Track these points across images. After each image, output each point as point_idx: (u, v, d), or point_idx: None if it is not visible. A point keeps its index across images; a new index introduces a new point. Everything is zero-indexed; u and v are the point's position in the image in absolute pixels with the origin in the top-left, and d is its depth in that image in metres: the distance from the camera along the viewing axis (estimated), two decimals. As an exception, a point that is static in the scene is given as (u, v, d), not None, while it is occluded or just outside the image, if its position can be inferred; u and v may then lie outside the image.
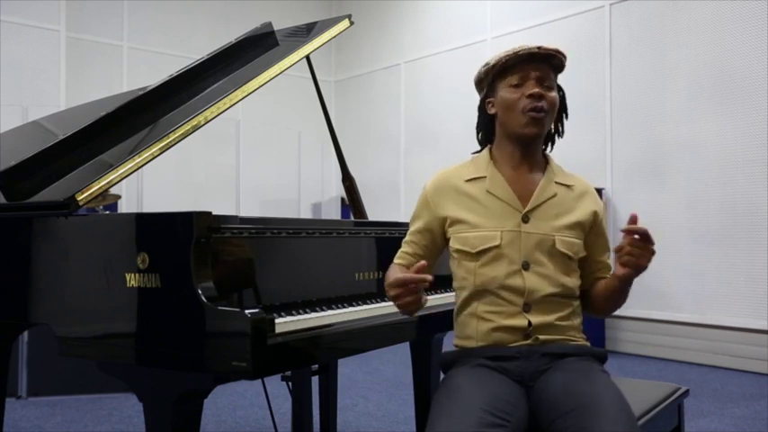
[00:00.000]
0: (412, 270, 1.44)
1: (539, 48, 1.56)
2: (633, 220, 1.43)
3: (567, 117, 1.70)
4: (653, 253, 1.44)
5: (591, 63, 5.64)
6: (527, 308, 1.53)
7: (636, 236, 1.42)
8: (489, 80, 1.63)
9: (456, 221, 1.60)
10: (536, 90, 1.55)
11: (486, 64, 1.62)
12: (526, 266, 1.54)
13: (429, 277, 1.39)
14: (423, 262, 1.42)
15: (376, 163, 7.74)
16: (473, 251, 1.56)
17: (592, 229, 1.63)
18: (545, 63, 1.58)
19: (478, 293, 1.57)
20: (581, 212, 1.61)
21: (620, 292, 1.59)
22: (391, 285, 1.43)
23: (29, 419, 3.34)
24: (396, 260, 1.70)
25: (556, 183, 1.62)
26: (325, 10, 8.16)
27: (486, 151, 1.68)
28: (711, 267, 4.86)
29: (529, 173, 1.62)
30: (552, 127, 1.67)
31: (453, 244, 1.61)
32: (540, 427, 1.43)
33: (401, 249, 1.70)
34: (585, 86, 5.62)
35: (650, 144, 5.26)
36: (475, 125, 1.73)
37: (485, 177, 1.61)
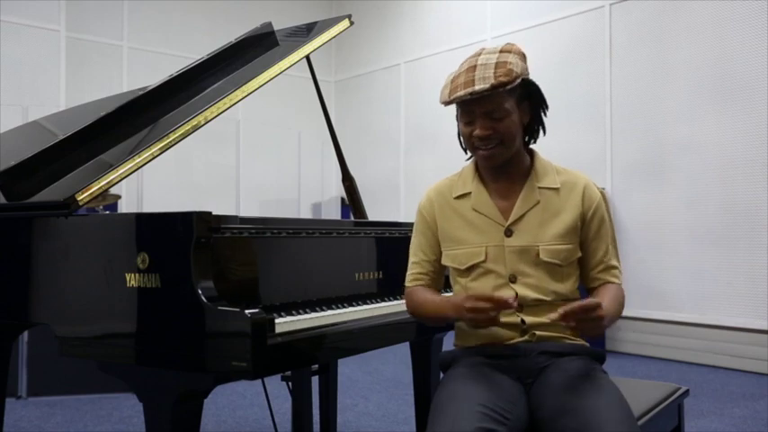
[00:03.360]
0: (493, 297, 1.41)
1: (470, 94, 1.47)
2: (560, 316, 1.34)
3: (546, 109, 1.63)
4: (601, 319, 1.36)
5: (591, 63, 5.64)
6: (519, 308, 1.55)
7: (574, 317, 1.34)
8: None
9: (446, 238, 1.64)
10: (478, 133, 1.52)
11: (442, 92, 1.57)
12: (513, 279, 1.55)
13: (514, 304, 1.40)
14: (512, 296, 1.42)
15: (376, 163, 7.74)
16: (461, 268, 1.61)
17: (585, 227, 1.59)
18: (490, 95, 1.49)
19: None
20: (567, 216, 1.57)
21: None
22: (476, 299, 1.41)
23: (29, 419, 3.34)
24: (412, 284, 1.68)
25: (540, 188, 1.59)
26: (325, 10, 8.16)
27: (472, 164, 1.68)
28: (711, 267, 4.86)
29: (512, 182, 1.61)
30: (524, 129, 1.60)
31: (444, 260, 1.65)
32: (539, 427, 1.43)
33: (414, 271, 1.69)
34: (585, 86, 5.62)
35: (650, 144, 5.26)
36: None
37: (470, 194, 1.62)
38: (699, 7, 4.98)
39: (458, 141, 1.68)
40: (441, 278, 1.71)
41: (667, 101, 5.16)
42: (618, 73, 5.48)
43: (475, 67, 1.51)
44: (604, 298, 1.53)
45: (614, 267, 1.63)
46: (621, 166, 5.42)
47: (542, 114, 1.63)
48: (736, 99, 4.78)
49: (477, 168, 1.66)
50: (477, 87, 1.47)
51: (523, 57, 1.56)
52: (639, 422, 1.60)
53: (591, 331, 1.40)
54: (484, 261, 1.57)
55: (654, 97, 5.25)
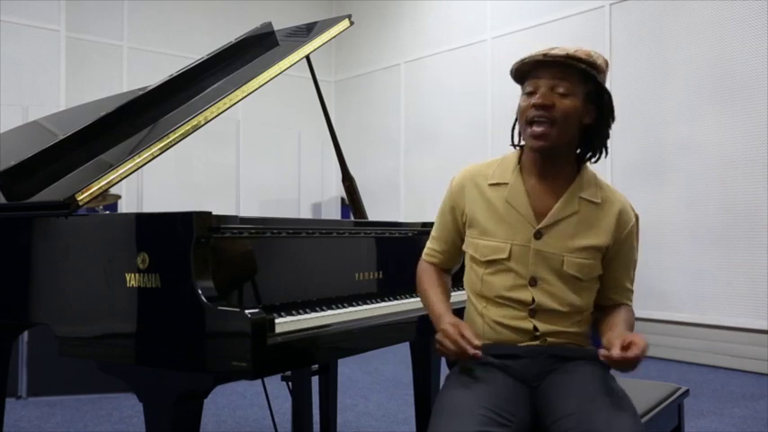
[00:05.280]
0: (468, 338, 1.41)
1: (544, 55, 1.47)
2: (607, 356, 1.36)
3: (613, 121, 1.57)
4: (639, 360, 1.36)
5: (591, 63, 5.62)
6: (533, 313, 1.53)
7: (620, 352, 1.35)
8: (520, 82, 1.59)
9: (472, 223, 1.60)
10: (538, 101, 1.47)
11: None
12: (533, 282, 1.53)
13: (479, 354, 1.40)
14: (478, 343, 1.41)
15: (376, 163, 7.74)
16: (482, 259, 1.57)
17: (614, 247, 1.55)
18: (561, 68, 1.48)
19: (485, 298, 1.58)
20: (600, 234, 1.53)
21: None
22: (445, 334, 1.44)
23: (29, 419, 3.34)
24: (426, 257, 1.72)
25: (581, 198, 1.54)
26: (325, 10, 8.16)
27: (515, 155, 1.62)
28: (711, 267, 4.86)
29: (553, 185, 1.55)
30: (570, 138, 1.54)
31: (466, 247, 1.63)
32: (543, 427, 1.43)
33: (429, 246, 1.72)
34: (585, 86, 5.61)
35: (650, 144, 5.26)
36: (510, 128, 1.66)
37: (507, 185, 1.57)
38: (699, 7, 4.98)
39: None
40: (456, 258, 1.71)
41: (667, 101, 5.16)
42: (618, 73, 5.48)
43: (554, 47, 1.52)
44: (620, 324, 1.51)
45: (628, 290, 1.60)
46: (621, 166, 5.41)
47: (607, 125, 1.55)
48: (736, 99, 4.77)
49: (519, 161, 1.59)
50: (553, 52, 1.47)
51: (607, 65, 1.54)
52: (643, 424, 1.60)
53: (626, 369, 1.39)
54: (507, 259, 1.53)
55: (654, 97, 5.25)
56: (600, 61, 1.50)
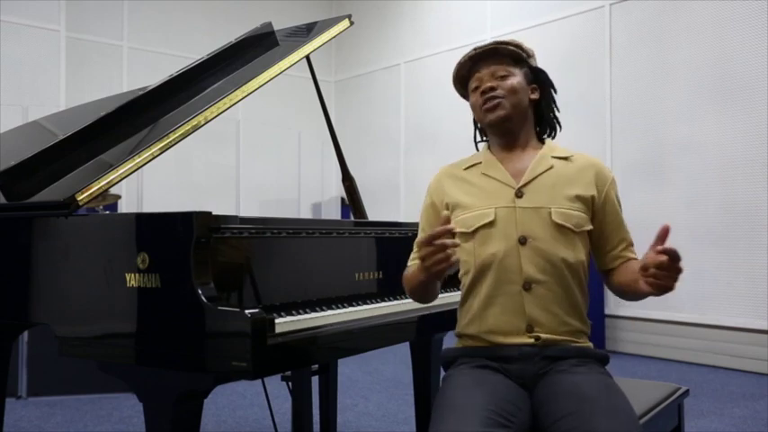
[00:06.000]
0: (439, 223, 1.39)
1: (474, 50, 1.65)
2: (664, 232, 1.34)
3: (555, 92, 1.71)
4: (680, 272, 1.35)
5: (591, 63, 5.64)
6: (527, 286, 1.52)
7: (664, 256, 1.32)
8: (463, 92, 1.74)
9: (455, 206, 1.64)
10: (484, 87, 1.62)
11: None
12: (523, 241, 1.53)
13: (453, 226, 1.36)
14: (447, 213, 1.40)
15: (376, 163, 7.74)
16: (469, 231, 1.58)
17: (600, 203, 1.59)
18: (495, 58, 1.64)
19: (481, 274, 1.57)
20: (581, 185, 1.58)
21: (639, 295, 1.52)
22: (421, 244, 1.40)
23: (29, 419, 3.34)
24: (410, 263, 1.69)
25: (552, 157, 1.62)
26: (325, 10, 8.16)
27: (484, 144, 1.76)
28: (711, 267, 4.86)
29: (522, 156, 1.64)
30: (534, 111, 1.69)
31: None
32: (542, 427, 1.43)
33: (415, 250, 1.67)
34: (585, 86, 5.62)
35: (650, 144, 5.26)
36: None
37: (480, 163, 1.67)
38: (699, 7, 4.98)
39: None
40: None
41: (667, 101, 5.16)
42: (618, 73, 5.48)
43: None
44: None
45: (632, 244, 1.63)
46: (621, 165, 5.42)
47: (552, 97, 1.70)
48: (736, 99, 4.78)
49: (488, 148, 1.71)
50: (483, 45, 1.66)
51: (533, 52, 1.71)
52: (639, 422, 1.60)
53: (666, 282, 1.38)
54: (493, 222, 1.55)
55: (654, 97, 5.25)
56: (526, 45, 1.68)
